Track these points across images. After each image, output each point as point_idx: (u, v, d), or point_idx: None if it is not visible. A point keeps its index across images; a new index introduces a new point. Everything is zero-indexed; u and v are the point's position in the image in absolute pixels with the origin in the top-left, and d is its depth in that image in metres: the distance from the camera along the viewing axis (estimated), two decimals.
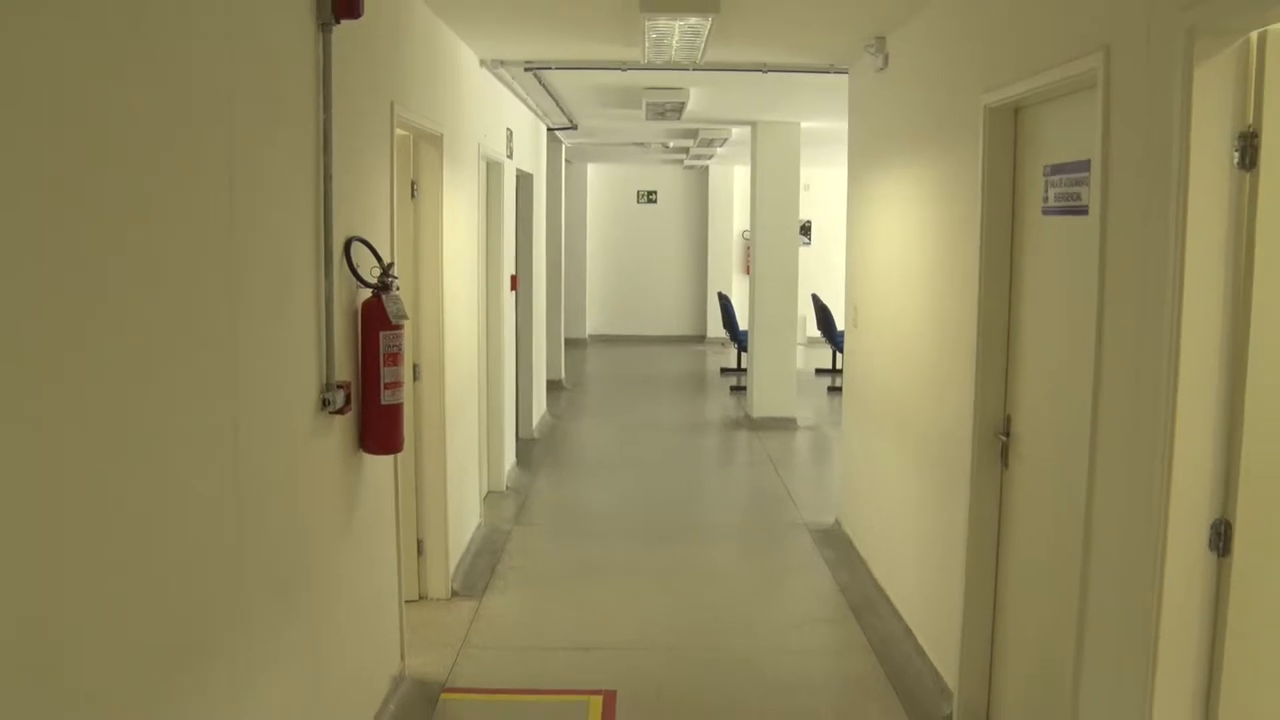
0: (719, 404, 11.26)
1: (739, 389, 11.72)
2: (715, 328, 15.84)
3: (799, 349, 10.41)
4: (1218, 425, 2.39)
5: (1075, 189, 3.09)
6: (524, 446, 8.44)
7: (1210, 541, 2.43)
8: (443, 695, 4.16)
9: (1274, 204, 2.30)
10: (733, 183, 16.44)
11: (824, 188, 15.18)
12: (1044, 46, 3.20)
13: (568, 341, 12.75)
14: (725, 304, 13.31)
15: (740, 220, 16.21)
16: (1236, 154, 2.32)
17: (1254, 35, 2.29)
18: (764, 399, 9.80)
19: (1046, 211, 3.38)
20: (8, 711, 1.60)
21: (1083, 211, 3.01)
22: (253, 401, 2.59)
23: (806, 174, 13.24)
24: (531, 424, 8.96)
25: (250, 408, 2.57)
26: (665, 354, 15.30)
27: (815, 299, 12.79)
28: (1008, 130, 3.67)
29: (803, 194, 13.63)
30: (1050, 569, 3.30)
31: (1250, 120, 2.31)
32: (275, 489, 2.77)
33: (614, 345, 16.15)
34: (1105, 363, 2.77)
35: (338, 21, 3.03)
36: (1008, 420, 3.73)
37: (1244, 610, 2.41)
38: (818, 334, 13.16)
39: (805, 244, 15.06)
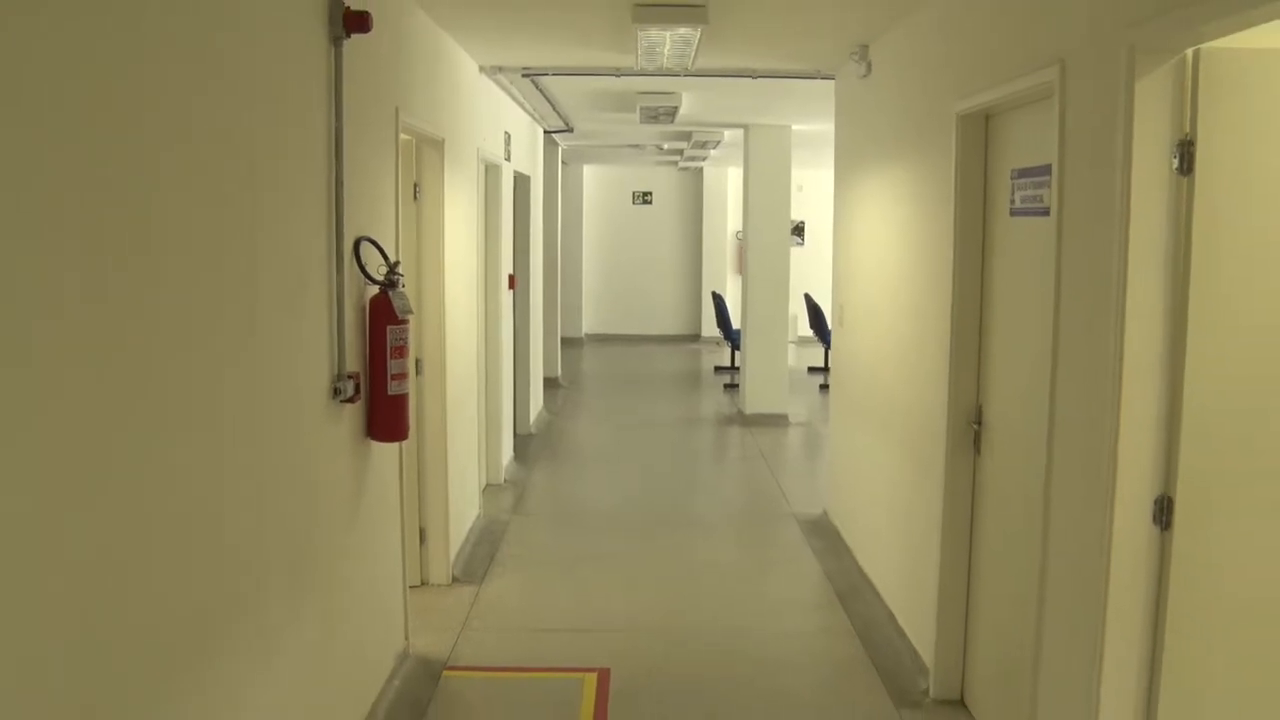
0: (713, 401, 11.48)
1: (732, 386, 11.94)
2: (710, 327, 16.05)
3: (791, 347, 10.62)
4: (1159, 408, 2.61)
5: (1038, 191, 3.30)
6: (521, 442, 8.65)
7: (1154, 516, 2.65)
8: (444, 672, 4.37)
9: (1209, 206, 2.52)
10: (727, 184, 16.66)
11: (817, 189, 15.37)
12: (1009, 58, 3.42)
13: (564, 341, 12.96)
14: (719, 303, 13.53)
15: (734, 221, 16.43)
16: (1176, 160, 2.54)
17: (1189, 52, 2.51)
18: (756, 396, 10.01)
19: (1014, 213, 3.59)
20: (94, 642, 1.81)
21: (1045, 213, 3.22)
22: (271, 388, 2.80)
23: (800, 175, 13.47)
24: (529, 420, 9.17)
25: (269, 394, 2.78)
26: (660, 353, 15.52)
27: (808, 298, 13.01)
28: (979, 136, 3.88)
29: (796, 195, 13.90)
30: (1019, 550, 3.51)
31: (1187, 129, 2.53)
32: (291, 470, 2.98)
33: (610, 344, 16.36)
34: (1061, 353, 2.99)
35: (348, 36, 3.25)
36: (980, 410, 3.95)
37: (1185, 579, 2.63)
38: (810, 333, 13.38)
39: (798, 244, 15.30)
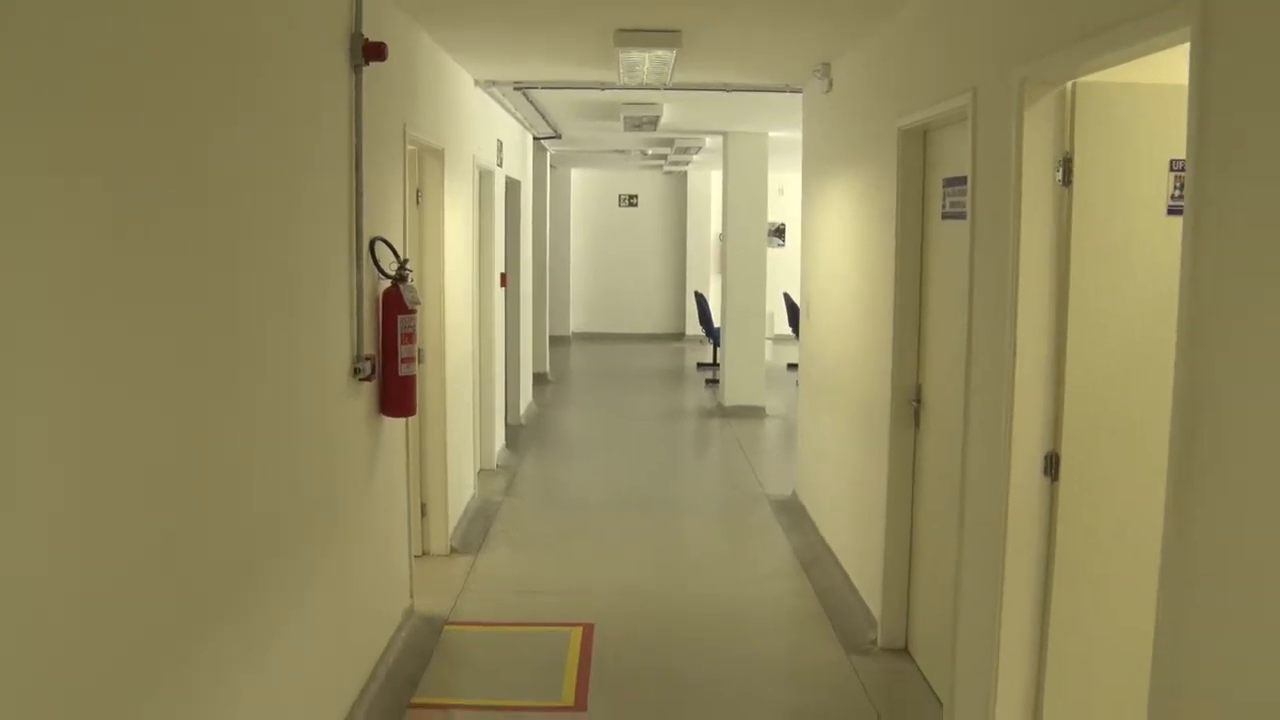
0: (694, 395, 12.02)
1: (713, 382, 12.46)
2: (694, 326, 16.58)
3: (768, 344, 11.16)
4: (1046, 380, 3.14)
5: (960, 198, 3.84)
6: (512, 432, 9.17)
7: (1044, 469, 3.18)
8: (446, 627, 4.88)
9: (1085, 211, 3.05)
10: (710, 187, 17.19)
11: (798, 192, 15.84)
12: (938, 83, 3.96)
13: (552, 339, 13.48)
14: (701, 302, 14.06)
15: (718, 223, 16.93)
16: (1058, 173, 3.08)
17: (1069, 85, 3.04)
18: (735, 389, 10.55)
19: (944, 217, 4.13)
20: (174, 566, 2.32)
21: (964, 217, 3.76)
22: (305, 364, 3.32)
23: (781, 179, 14.02)
24: (519, 412, 9.69)
25: (303, 369, 3.30)
26: (645, 350, 16.05)
27: (787, 297, 13.55)
28: (918, 149, 4.42)
29: (778, 198, 14.46)
30: (953, 512, 4.04)
31: (1068, 148, 3.06)
32: (321, 436, 3.50)
33: (597, 342, 16.89)
34: (974, 337, 3.52)
35: (367, 63, 3.76)
36: (919, 389, 4.49)
37: (1069, 520, 3.16)
38: (789, 331, 13.90)
39: (779, 246, 15.85)
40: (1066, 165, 3.05)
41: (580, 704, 4.16)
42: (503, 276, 8.41)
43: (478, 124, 6.94)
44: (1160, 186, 3.00)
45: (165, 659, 2.31)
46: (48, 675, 1.86)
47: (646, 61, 5.49)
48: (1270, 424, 1.90)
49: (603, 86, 6.80)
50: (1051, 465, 3.17)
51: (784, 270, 13.52)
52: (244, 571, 2.80)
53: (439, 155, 5.53)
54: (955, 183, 3.93)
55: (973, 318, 3.54)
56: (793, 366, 13.69)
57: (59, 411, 1.88)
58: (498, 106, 7.77)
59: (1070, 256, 3.07)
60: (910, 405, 4.51)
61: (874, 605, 4.87)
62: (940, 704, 4.04)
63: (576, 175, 17.39)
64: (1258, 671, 1.94)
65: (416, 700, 4.15)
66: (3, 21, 1.70)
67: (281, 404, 3.10)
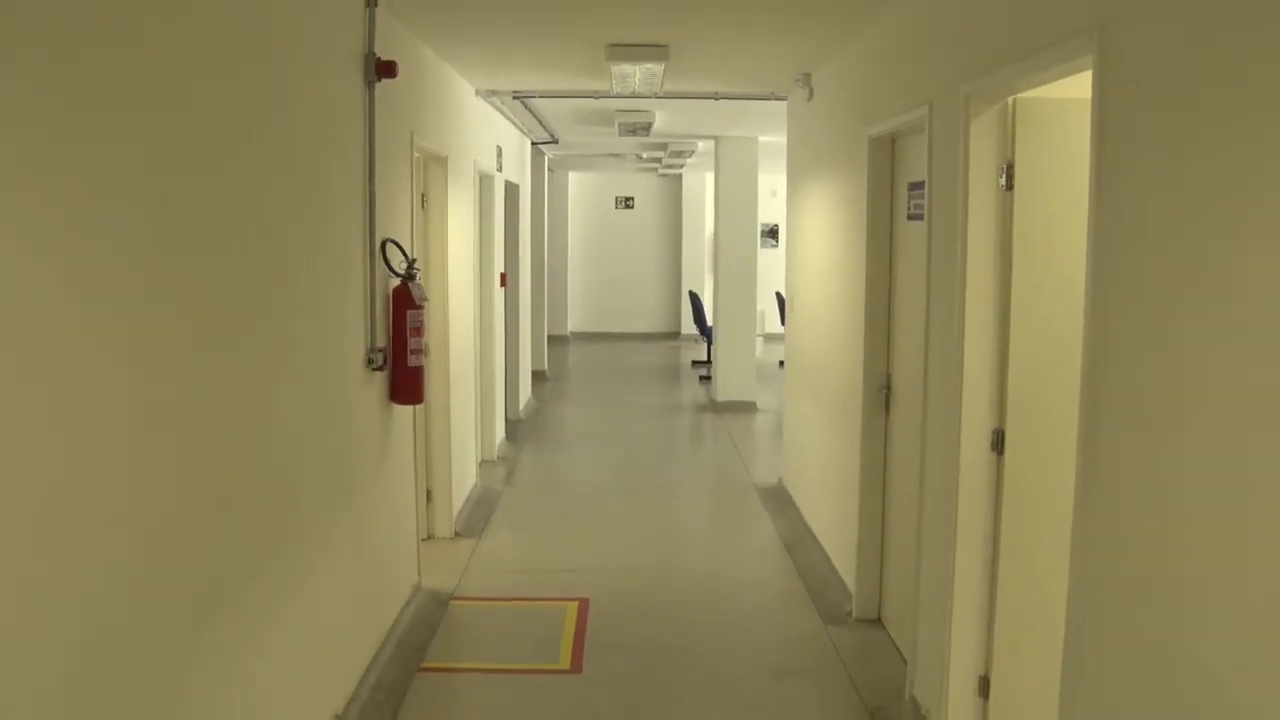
0: (688, 392, 12.38)
1: (706, 379, 12.82)
2: (689, 325, 16.94)
3: (759, 341, 11.52)
4: (992, 363, 3.50)
5: (921, 201, 4.20)
6: (511, 426, 9.52)
7: (991, 444, 3.54)
8: (451, 601, 5.24)
9: (1026, 213, 3.41)
10: (705, 189, 17.54)
11: None
12: (902, 96, 4.32)
13: (551, 338, 13.84)
14: (695, 301, 14.42)
15: (712, 224, 17.31)
16: (1002, 179, 3.44)
17: (1010, 100, 3.40)
18: (727, 385, 10.91)
19: (909, 218, 4.49)
20: (221, 522, 2.68)
21: (923, 218, 4.12)
22: (327, 353, 3.68)
23: (774, 182, 14.37)
24: (518, 407, 10.05)
25: (326, 358, 3.66)
26: (642, 349, 16.42)
27: (779, 296, 13.90)
28: (886, 155, 4.78)
29: (770, 200, 14.80)
30: (917, 490, 4.40)
31: (1010, 156, 3.42)
32: (340, 419, 3.86)
33: (594, 342, 17.26)
34: (931, 326, 3.89)
35: (379, 80, 4.12)
36: (889, 377, 4.85)
37: (1014, 489, 3.52)
38: (781, 329, 14.25)
39: (773, 246, 16.21)
40: (1009, 171, 3.41)
41: (576, 667, 4.52)
42: (502, 277, 8.77)
43: (479, 131, 7.30)
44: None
45: (208, 612, 2.67)
46: (128, 612, 2.22)
47: (637, 73, 5.85)
48: (1149, 400, 2.26)
49: (597, 95, 7.16)
50: (998, 441, 3.53)
51: (777, 270, 13.83)
52: (272, 540, 3.16)
53: (443, 162, 5.89)
54: (917, 186, 4.29)
55: (930, 309, 3.90)
56: (784, 364, 14.06)
57: (126, 396, 2.24)
58: (498, 114, 8.13)
59: (1012, 253, 3.43)
60: (881, 393, 4.87)
61: (850, 580, 5.23)
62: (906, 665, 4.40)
63: (574, 178, 17.76)
64: (1148, 610, 2.30)
65: (426, 665, 4.51)
66: (94, 72, 2.07)
67: (306, 390, 3.46)
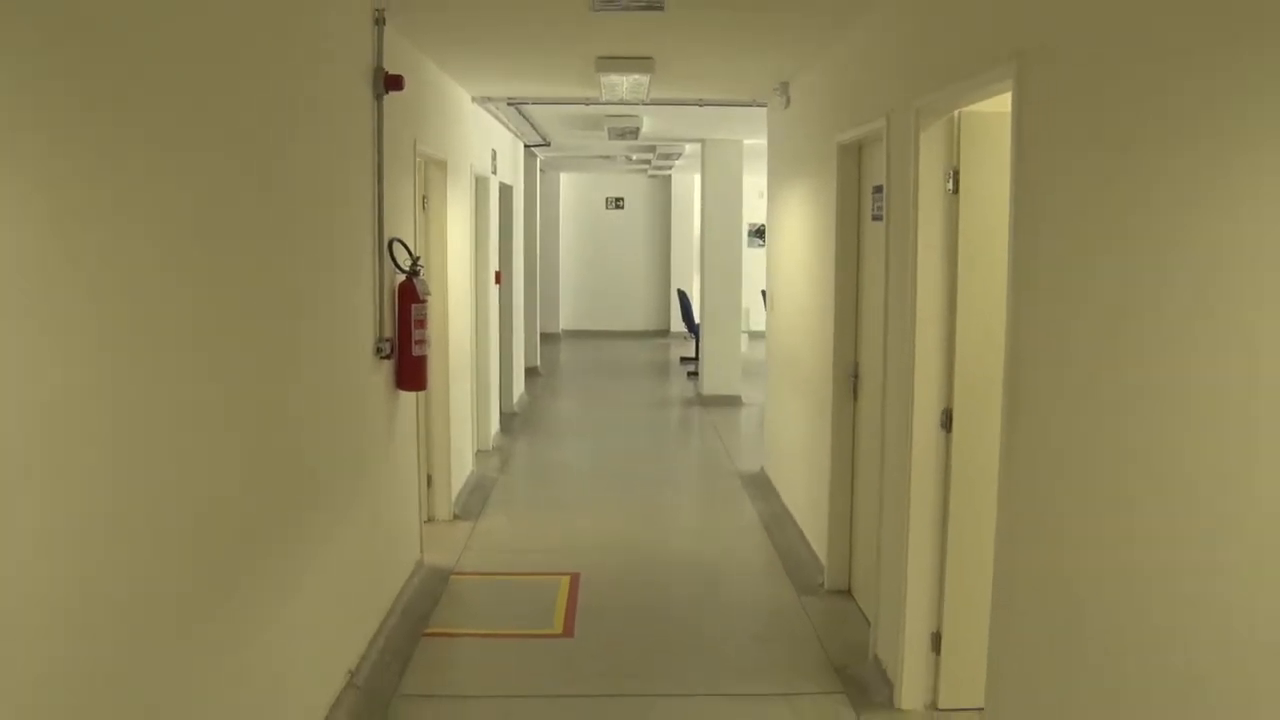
0: (677, 387, 12.79)
1: (694, 374, 13.22)
2: (679, 323, 17.34)
3: (744, 337, 11.92)
4: (941, 351, 3.90)
5: (882, 203, 4.59)
6: (505, 419, 9.91)
7: (941, 422, 3.94)
8: (451, 576, 5.63)
9: (970, 214, 3.81)
10: (693, 190, 17.95)
11: None
12: (865, 107, 4.72)
13: (543, 335, 14.23)
14: (684, 299, 14.82)
15: (699, 224, 17.72)
16: (949, 184, 3.84)
17: (956, 113, 3.80)
18: (713, 379, 11.31)
19: (873, 219, 4.89)
20: (258, 488, 3.07)
21: (882, 218, 4.52)
22: (342, 342, 4.06)
23: (763, 183, 14.74)
24: (512, 400, 10.43)
25: (341, 346, 4.04)
26: (632, 346, 16.83)
27: (765, 295, 14.29)
28: (854, 161, 5.18)
29: (759, 201, 15.16)
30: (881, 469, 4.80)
31: (956, 163, 3.82)
32: (353, 403, 4.24)
33: (585, 339, 17.66)
34: (890, 317, 4.28)
35: (387, 92, 4.51)
36: (857, 366, 5.25)
37: (960, 462, 3.92)
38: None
39: (760, 246, 16.59)
40: (955, 177, 3.81)
41: (568, 632, 4.91)
42: (497, 275, 9.15)
43: (475, 136, 7.69)
44: None
45: (246, 570, 3.06)
46: (177, 567, 2.61)
47: (625, 83, 6.24)
48: (1055, 381, 2.66)
49: (587, 102, 7.55)
50: (947, 419, 3.93)
51: (764, 269, 14.21)
52: (293, 511, 3.54)
53: (442, 166, 6.28)
54: (878, 190, 4.69)
55: (888, 302, 4.30)
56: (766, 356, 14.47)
57: (191, 380, 2.63)
58: (492, 120, 8.52)
59: (958, 250, 3.83)
60: (849, 380, 5.27)
61: (822, 554, 5.63)
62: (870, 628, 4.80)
63: (565, 179, 18.16)
64: (1056, 564, 2.70)
65: (429, 630, 4.89)
66: (158, 104, 2.45)
67: (325, 375, 3.84)
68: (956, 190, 3.82)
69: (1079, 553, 2.55)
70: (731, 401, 11.20)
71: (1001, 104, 3.62)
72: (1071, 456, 2.59)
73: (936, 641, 4.05)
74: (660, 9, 4.39)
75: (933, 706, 4.09)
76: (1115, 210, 2.37)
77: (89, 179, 2.14)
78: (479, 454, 8.32)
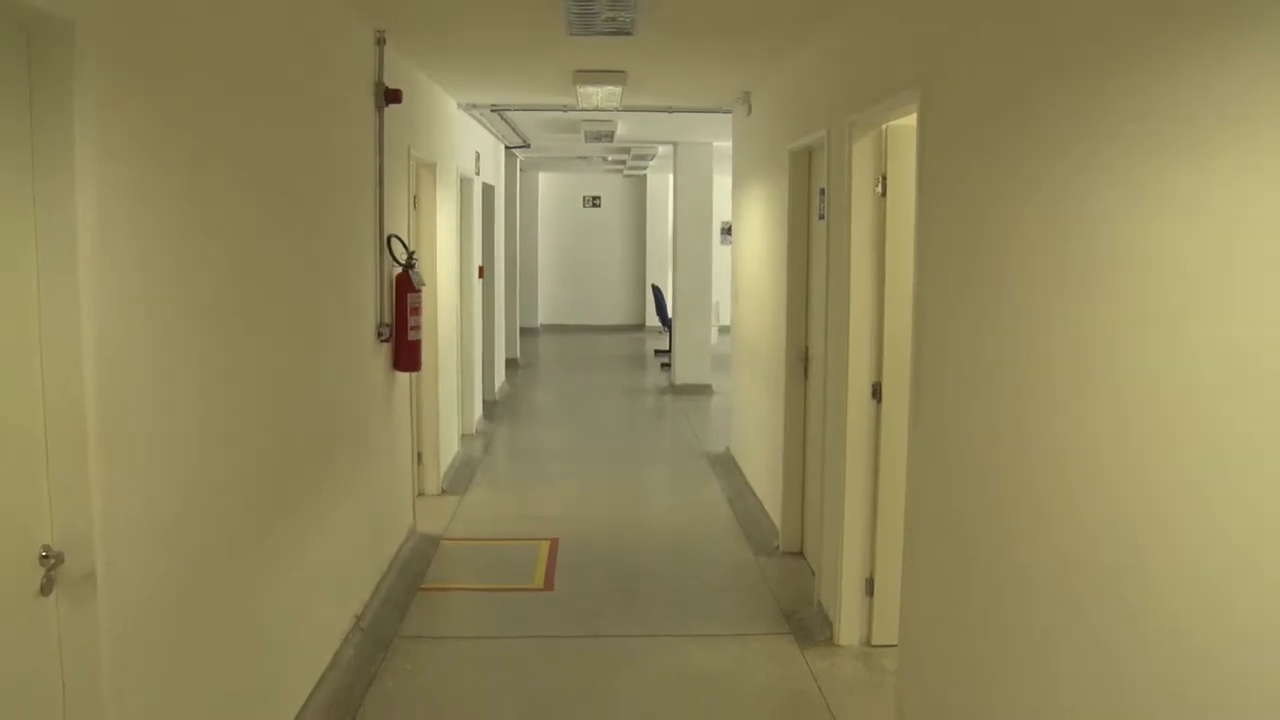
0: (650, 377, 13.39)
1: (668, 365, 13.82)
2: (653, 317, 17.95)
3: (714, 330, 12.52)
4: (871, 331, 4.51)
5: (825, 205, 5.20)
6: (488, 406, 10.48)
7: (872, 393, 4.55)
8: (442, 541, 6.21)
9: (895, 214, 4.42)
10: (668, 189, 18.53)
11: None
12: (810, 119, 5.33)
13: (522, 329, 14.80)
14: (658, 294, 15.42)
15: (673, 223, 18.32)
16: (878, 188, 4.45)
17: (884, 126, 4.42)
18: (684, 369, 11.92)
19: (820, 218, 5.50)
20: (280, 452, 3.64)
21: (824, 218, 5.13)
22: (352, 325, 4.64)
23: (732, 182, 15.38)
24: (494, 389, 11.00)
25: (350, 328, 4.62)
26: (608, 340, 17.42)
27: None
28: (804, 166, 5.79)
29: (729, 200, 15.81)
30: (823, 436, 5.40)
31: (884, 169, 4.43)
32: (359, 380, 4.82)
33: (563, 333, 18.24)
34: (830, 304, 4.89)
35: (387, 105, 5.08)
36: (806, 349, 5.86)
37: (888, 430, 4.53)
38: None
39: (731, 243, 17.23)
40: (883, 181, 4.42)
41: (548, 585, 5.51)
42: (480, 269, 9.71)
43: (460, 139, 8.26)
44: None
45: (279, 514, 3.64)
46: (243, 499, 3.19)
47: (599, 93, 6.83)
48: (944, 355, 3.27)
49: (565, 109, 8.13)
50: (876, 391, 4.54)
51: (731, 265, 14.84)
52: (311, 467, 4.12)
53: (431, 168, 6.85)
54: (823, 193, 5.30)
55: (829, 291, 4.91)
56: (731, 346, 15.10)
57: (255, 357, 3.21)
58: (476, 124, 9.09)
59: (885, 244, 4.45)
60: (800, 363, 5.88)
61: (776, 519, 6.24)
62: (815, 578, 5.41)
63: (544, 179, 18.73)
64: (948, 505, 3.31)
65: (424, 586, 5.47)
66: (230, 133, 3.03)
67: (336, 354, 4.42)
68: (885, 193, 4.43)
69: (967, 501, 3.16)
70: (702, 390, 11.81)
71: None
72: (957, 418, 3.20)
73: (870, 586, 4.67)
74: (630, 34, 4.97)
75: (867, 643, 4.71)
76: (996, 212, 2.98)
77: (205, 198, 2.72)
78: (463, 438, 8.89)
